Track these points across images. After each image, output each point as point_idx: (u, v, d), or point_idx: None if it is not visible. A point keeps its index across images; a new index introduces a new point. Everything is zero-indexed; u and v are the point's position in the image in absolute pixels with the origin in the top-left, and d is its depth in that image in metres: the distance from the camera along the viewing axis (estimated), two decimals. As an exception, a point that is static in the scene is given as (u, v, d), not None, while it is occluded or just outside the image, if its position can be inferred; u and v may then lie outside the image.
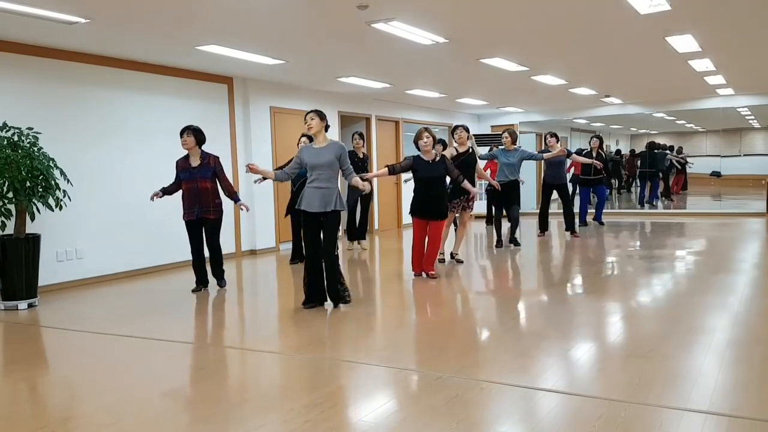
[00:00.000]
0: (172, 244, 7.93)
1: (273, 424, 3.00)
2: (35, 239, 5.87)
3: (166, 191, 6.37)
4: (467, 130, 7.51)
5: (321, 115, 5.31)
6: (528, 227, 11.06)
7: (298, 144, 7.75)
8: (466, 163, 7.30)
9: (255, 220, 9.17)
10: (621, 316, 4.93)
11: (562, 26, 6.40)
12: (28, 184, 5.67)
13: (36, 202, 5.74)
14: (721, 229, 10.77)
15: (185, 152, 6.40)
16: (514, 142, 8.81)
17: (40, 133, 5.93)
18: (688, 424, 2.84)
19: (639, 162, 15.03)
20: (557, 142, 9.93)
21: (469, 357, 4.06)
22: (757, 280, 6.21)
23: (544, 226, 10.14)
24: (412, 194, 6.62)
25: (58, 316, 5.57)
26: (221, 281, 6.53)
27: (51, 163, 5.84)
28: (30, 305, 5.82)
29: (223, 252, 8.61)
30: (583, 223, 11.14)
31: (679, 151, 16.71)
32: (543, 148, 10.12)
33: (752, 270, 6.74)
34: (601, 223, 11.52)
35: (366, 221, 9.45)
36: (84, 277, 6.97)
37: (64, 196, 5.97)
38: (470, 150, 7.46)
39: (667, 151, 16.02)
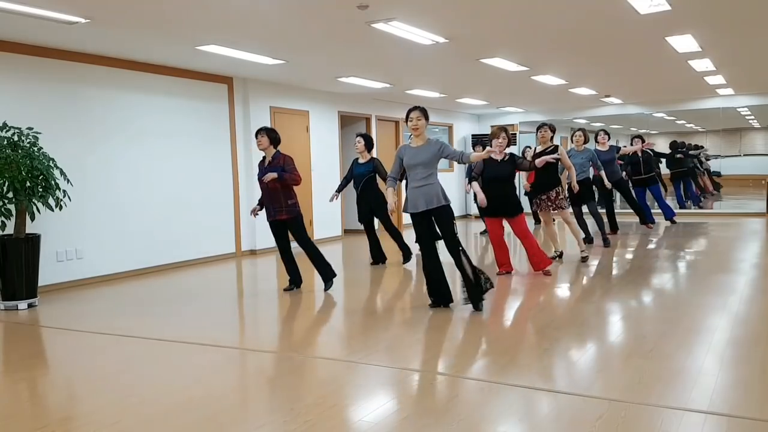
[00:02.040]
0: (172, 244, 7.94)
1: (273, 424, 3.00)
2: (35, 239, 5.87)
3: (261, 202, 6.17)
4: (552, 130, 7.33)
5: (426, 115, 5.16)
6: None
7: (355, 146, 7.60)
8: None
9: (255, 220, 9.17)
10: (621, 316, 4.93)
11: (562, 27, 6.40)
12: (28, 184, 5.67)
13: (36, 202, 5.74)
14: (721, 229, 10.77)
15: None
16: (586, 141, 8.64)
17: (40, 133, 5.93)
18: (688, 424, 2.84)
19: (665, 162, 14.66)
20: (609, 139, 9.59)
21: (469, 357, 4.06)
22: (757, 280, 6.21)
23: (613, 225, 9.96)
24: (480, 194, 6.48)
25: (58, 316, 5.57)
26: (327, 283, 6.22)
27: (51, 163, 5.84)
28: (30, 305, 5.82)
29: (222, 252, 8.72)
30: (651, 221, 10.70)
31: (700, 148, 16.50)
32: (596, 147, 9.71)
33: (752, 270, 6.74)
34: (674, 222, 11.11)
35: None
36: (84, 277, 6.97)
37: (64, 196, 5.97)
38: (548, 149, 7.20)
39: (693, 151, 15.81)
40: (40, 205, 5.80)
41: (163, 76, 7.93)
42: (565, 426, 2.87)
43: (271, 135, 6.04)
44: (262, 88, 9.32)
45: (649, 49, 7.67)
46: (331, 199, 7.83)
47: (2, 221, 5.63)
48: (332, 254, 9.20)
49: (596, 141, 9.73)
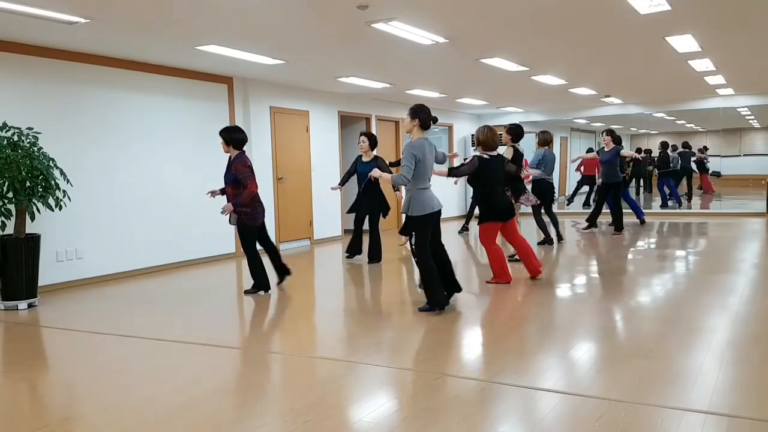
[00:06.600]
0: (172, 244, 7.93)
1: (273, 424, 3.00)
2: (35, 239, 5.87)
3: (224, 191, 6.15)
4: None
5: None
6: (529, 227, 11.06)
7: (359, 145, 7.83)
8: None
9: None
10: (621, 316, 4.93)
11: (562, 26, 6.40)
12: (28, 184, 5.67)
13: (36, 202, 5.74)
14: (721, 229, 10.77)
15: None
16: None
17: (40, 133, 5.93)
18: (688, 424, 2.84)
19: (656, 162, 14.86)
20: (613, 140, 9.76)
21: (469, 357, 4.06)
22: (757, 280, 6.21)
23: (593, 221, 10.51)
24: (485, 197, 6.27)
25: (58, 316, 5.57)
26: (252, 289, 6.24)
27: (51, 163, 5.84)
28: (30, 305, 5.82)
29: (224, 252, 8.72)
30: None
31: (701, 150, 16.51)
32: (600, 147, 10.08)
33: (752, 270, 6.74)
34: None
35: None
36: (84, 277, 6.97)
37: (64, 196, 5.97)
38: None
39: (692, 151, 15.82)
40: (40, 205, 5.80)
41: (163, 76, 7.92)
42: (565, 426, 2.87)
43: (224, 135, 5.96)
44: (262, 88, 9.32)
45: (649, 49, 7.66)
46: (334, 188, 8.25)
47: (2, 221, 5.63)
48: (332, 254, 9.21)
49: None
